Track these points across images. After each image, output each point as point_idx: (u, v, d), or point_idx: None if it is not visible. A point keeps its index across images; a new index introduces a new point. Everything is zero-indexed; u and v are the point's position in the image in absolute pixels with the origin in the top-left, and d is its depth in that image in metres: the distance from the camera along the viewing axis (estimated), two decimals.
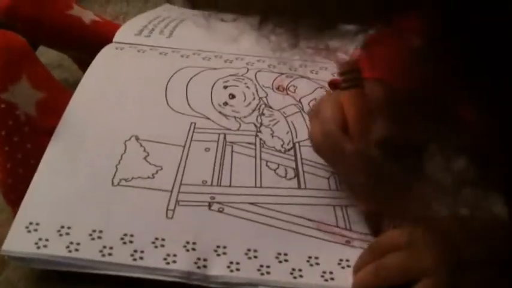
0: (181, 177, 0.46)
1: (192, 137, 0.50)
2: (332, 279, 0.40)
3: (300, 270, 0.40)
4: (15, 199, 0.49)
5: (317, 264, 0.41)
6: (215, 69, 0.59)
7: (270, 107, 0.55)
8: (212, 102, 0.54)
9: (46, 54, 0.78)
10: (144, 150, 0.48)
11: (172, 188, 0.45)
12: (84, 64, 0.79)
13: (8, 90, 0.48)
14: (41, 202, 0.43)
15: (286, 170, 0.48)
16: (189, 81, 0.57)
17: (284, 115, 0.54)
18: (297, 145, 0.50)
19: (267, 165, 0.48)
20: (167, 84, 0.56)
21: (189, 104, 0.54)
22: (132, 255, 0.40)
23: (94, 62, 0.58)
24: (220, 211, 0.44)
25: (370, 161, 0.38)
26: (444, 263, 0.35)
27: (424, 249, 0.36)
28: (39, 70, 0.54)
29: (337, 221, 0.44)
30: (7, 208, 0.51)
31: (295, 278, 0.40)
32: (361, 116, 0.43)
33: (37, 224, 0.41)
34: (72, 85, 0.78)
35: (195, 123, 0.51)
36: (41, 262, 0.40)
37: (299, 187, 0.47)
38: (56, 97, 0.54)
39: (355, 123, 0.43)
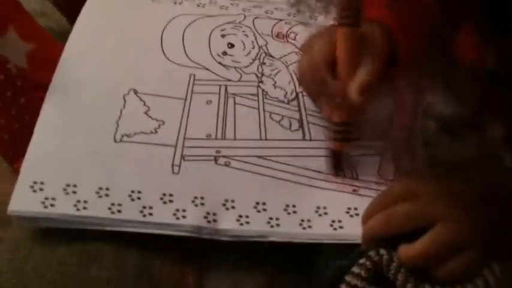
0: (185, 132, 0.45)
1: (192, 89, 0.49)
2: (341, 227, 0.41)
3: (308, 220, 0.41)
4: (12, 154, 0.49)
5: (325, 214, 0.41)
6: (211, 16, 0.57)
7: (271, 56, 0.53)
8: (211, 52, 0.52)
9: (27, 1, 0.74)
10: (144, 104, 0.47)
11: (176, 142, 0.44)
12: (67, 10, 0.75)
13: None
14: (43, 161, 0.42)
15: (290, 121, 0.47)
16: (184, 31, 0.54)
17: (285, 64, 0.52)
18: (300, 95, 0.50)
19: (270, 116, 0.47)
20: (162, 34, 0.53)
21: (186, 55, 0.52)
22: (141, 211, 0.40)
23: (83, 11, 0.55)
24: (226, 165, 0.43)
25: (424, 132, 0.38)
26: (457, 208, 0.36)
27: (435, 196, 0.37)
28: (26, 20, 0.52)
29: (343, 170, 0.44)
30: (3, 164, 0.50)
31: (304, 228, 0.40)
32: (351, 55, 0.42)
33: (42, 183, 0.40)
34: (59, 34, 0.74)
35: (194, 75, 0.50)
36: (49, 221, 0.40)
37: (304, 138, 0.46)
38: (46, 48, 0.52)
39: (343, 61, 0.42)
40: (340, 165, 0.44)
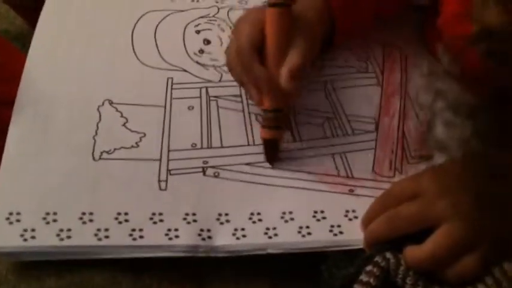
0: (168, 143, 0.42)
1: (171, 94, 0.46)
2: (341, 232, 0.39)
3: (307, 227, 0.39)
4: None
5: (324, 218, 0.40)
6: (182, 11, 0.53)
7: None
8: (187, 52, 0.49)
9: None
10: (122, 115, 0.44)
11: (161, 156, 0.41)
12: (22, 9, 0.70)
13: None
14: (17, 189, 0.39)
15: None
16: (156, 29, 0.51)
17: None
18: None
19: (257, 119, 0.45)
20: (132, 35, 0.50)
21: (161, 56, 0.48)
22: (130, 235, 0.37)
23: (42, 15, 0.50)
24: (216, 176, 0.41)
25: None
26: (463, 206, 0.35)
27: (438, 195, 0.35)
28: None
29: (337, 169, 0.43)
30: None
31: (303, 236, 0.39)
32: (280, 37, 0.40)
33: (18, 213, 0.37)
34: (16, 38, 0.69)
35: (172, 78, 0.47)
36: (31, 254, 0.37)
37: (294, 140, 0.44)
38: (8, 60, 0.48)
39: (272, 45, 0.40)
40: (275, 154, 0.42)
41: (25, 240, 0.36)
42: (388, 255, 0.36)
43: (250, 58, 0.40)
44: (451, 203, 0.35)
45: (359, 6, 0.47)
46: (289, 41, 0.40)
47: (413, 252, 0.35)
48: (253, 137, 0.44)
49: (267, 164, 0.42)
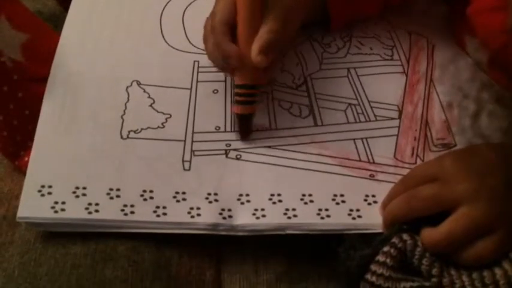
0: (193, 125, 0.43)
1: (197, 77, 0.47)
2: (359, 216, 0.40)
3: (326, 210, 0.40)
4: (13, 151, 0.47)
5: (343, 202, 0.40)
6: None
7: None
8: None
9: None
10: (149, 96, 0.45)
11: (185, 137, 0.43)
12: None
13: None
14: (49, 163, 0.40)
15: (300, 108, 0.46)
16: (184, 13, 0.52)
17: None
18: (308, 79, 0.48)
19: (279, 104, 0.46)
20: (161, 18, 0.51)
21: (188, 40, 0.49)
22: (154, 211, 0.39)
23: None
24: (238, 158, 0.42)
25: None
26: (481, 189, 0.35)
27: (458, 178, 0.35)
28: (18, 8, 0.49)
29: (359, 155, 0.43)
30: (3, 161, 0.48)
31: (322, 218, 0.39)
32: (250, 13, 0.40)
33: (50, 186, 0.39)
34: (48, 18, 0.71)
35: (198, 62, 0.48)
36: (60, 225, 0.39)
37: (316, 124, 0.45)
38: (42, 38, 0.50)
39: (242, 21, 0.40)
40: (248, 129, 0.43)
41: (55, 212, 0.38)
42: (405, 236, 0.36)
43: (221, 35, 0.40)
44: (472, 186, 0.35)
45: None
46: (260, 17, 0.40)
47: (430, 234, 0.35)
48: (275, 121, 0.44)
49: (288, 147, 0.43)
